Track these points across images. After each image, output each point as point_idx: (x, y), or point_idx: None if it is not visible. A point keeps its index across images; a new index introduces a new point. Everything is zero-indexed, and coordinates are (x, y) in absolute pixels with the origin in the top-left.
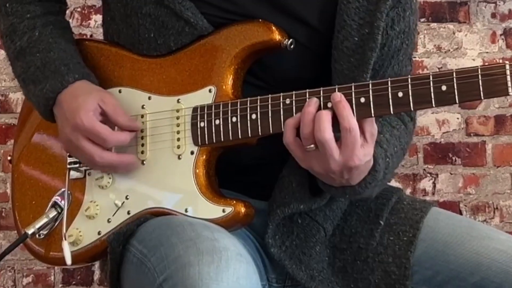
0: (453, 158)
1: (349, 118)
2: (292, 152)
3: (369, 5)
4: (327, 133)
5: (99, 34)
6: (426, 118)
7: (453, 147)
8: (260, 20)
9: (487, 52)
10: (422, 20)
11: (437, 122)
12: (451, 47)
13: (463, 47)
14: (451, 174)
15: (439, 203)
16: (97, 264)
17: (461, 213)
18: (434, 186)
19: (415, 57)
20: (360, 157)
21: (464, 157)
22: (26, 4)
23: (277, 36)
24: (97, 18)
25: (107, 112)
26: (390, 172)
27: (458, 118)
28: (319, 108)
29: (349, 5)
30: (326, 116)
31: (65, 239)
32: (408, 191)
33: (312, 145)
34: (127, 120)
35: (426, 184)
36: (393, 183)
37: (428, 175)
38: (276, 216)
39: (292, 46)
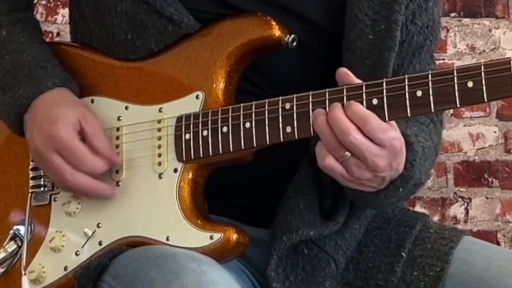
0: (489, 180)
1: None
2: (334, 174)
3: None
4: (353, 131)
5: (67, 32)
6: (457, 132)
7: (489, 167)
8: (257, 13)
9: None
10: (453, 15)
11: (471, 137)
12: (486, 47)
13: (501, 46)
14: (487, 198)
15: (473, 232)
16: None
17: (498, 245)
18: (467, 213)
19: (443, 59)
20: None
21: (503, 178)
22: None
23: (276, 31)
24: (65, 13)
25: (86, 132)
26: (425, 170)
27: (495, 132)
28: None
29: None
30: (340, 115)
31: (25, 274)
32: (436, 218)
33: (347, 152)
34: (108, 149)
35: (457, 210)
36: (418, 208)
37: (460, 199)
38: (282, 244)
39: (294, 44)
